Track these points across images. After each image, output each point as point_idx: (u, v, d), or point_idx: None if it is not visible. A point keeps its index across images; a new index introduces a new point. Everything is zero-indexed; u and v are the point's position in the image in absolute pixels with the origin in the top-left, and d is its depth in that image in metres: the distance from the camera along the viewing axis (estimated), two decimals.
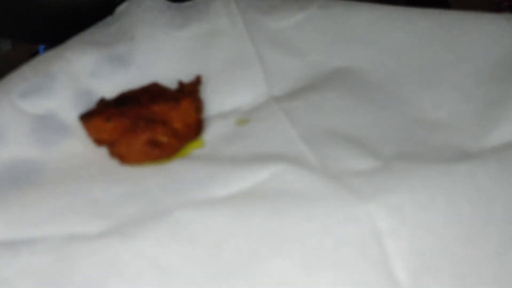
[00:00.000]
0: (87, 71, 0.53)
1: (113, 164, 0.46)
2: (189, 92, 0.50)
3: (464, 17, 0.56)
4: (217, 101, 0.53)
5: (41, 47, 0.73)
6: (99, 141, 0.48)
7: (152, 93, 0.48)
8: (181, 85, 0.51)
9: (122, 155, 0.46)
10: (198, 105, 0.49)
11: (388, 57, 0.56)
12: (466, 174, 0.39)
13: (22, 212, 0.40)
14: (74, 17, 0.62)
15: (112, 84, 0.53)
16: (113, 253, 0.36)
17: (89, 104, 0.51)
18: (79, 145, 0.48)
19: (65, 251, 0.36)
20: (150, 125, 0.46)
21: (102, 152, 0.48)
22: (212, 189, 0.41)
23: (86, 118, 0.47)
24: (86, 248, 0.36)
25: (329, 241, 0.34)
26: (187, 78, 0.55)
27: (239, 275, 0.34)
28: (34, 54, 0.73)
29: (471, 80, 0.51)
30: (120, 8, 0.60)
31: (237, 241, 0.36)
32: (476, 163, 0.40)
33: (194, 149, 0.48)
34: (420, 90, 0.51)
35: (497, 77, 0.50)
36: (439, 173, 0.38)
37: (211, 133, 0.50)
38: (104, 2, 0.61)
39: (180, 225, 0.37)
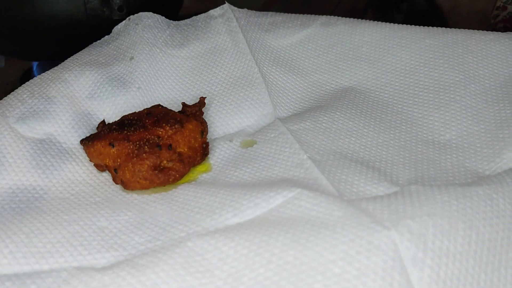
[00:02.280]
0: (85, 93, 0.51)
1: (117, 190, 0.45)
2: (193, 115, 0.49)
3: (469, 36, 0.56)
4: (221, 123, 0.52)
5: (35, 63, 0.71)
6: (101, 167, 0.46)
7: (156, 116, 0.47)
8: (185, 107, 0.50)
9: (126, 181, 0.44)
10: (203, 128, 0.47)
11: (394, 77, 0.55)
12: (484, 198, 0.38)
13: (27, 243, 0.37)
14: (67, 34, 0.61)
15: (112, 106, 0.51)
16: (126, 286, 0.34)
17: (88, 127, 0.49)
18: (81, 171, 0.46)
19: (74, 285, 0.34)
20: (154, 149, 0.45)
21: (104, 178, 0.46)
22: (225, 216, 0.39)
23: (88, 142, 0.45)
24: (96, 282, 0.34)
25: (352, 271, 0.33)
26: (189, 98, 0.54)
27: None
28: (27, 70, 0.71)
29: (479, 101, 0.50)
30: (118, 27, 0.59)
31: (255, 272, 0.34)
32: (493, 187, 0.39)
33: (201, 174, 0.46)
34: (429, 111, 0.50)
35: (506, 98, 0.50)
36: (458, 198, 0.37)
37: (217, 156, 0.48)
38: (101, 20, 0.59)
39: (194, 255, 0.36)
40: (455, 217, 0.36)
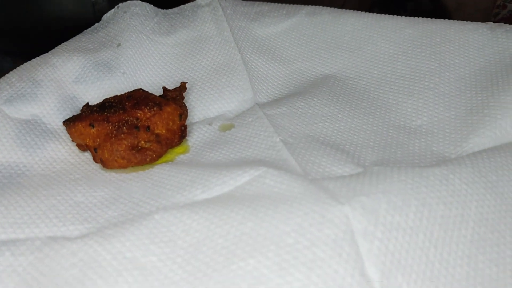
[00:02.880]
0: (72, 77, 0.54)
1: (96, 169, 0.47)
2: (173, 99, 0.50)
3: (448, 26, 0.57)
4: (202, 107, 0.53)
5: None
6: (82, 146, 0.48)
7: (136, 99, 0.49)
8: (166, 91, 0.52)
9: (105, 160, 0.46)
10: (182, 111, 0.49)
11: (373, 65, 0.56)
12: (440, 178, 0.39)
13: (5, 215, 0.40)
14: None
15: (97, 90, 0.54)
16: (93, 253, 0.36)
17: (73, 109, 0.51)
18: (63, 150, 0.48)
19: (45, 252, 0.37)
20: (132, 130, 0.47)
21: (86, 157, 0.48)
22: (194, 193, 0.41)
23: (70, 123, 0.48)
24: (66, 249, 0.37)
25: (304, 241, 0.34)
26: (172, 84, 0.56)
27: (215, 275, 0.34)
28: None
29: (452, 88, 0.51)
30: (107, 15, 0.61)
31: (214, 242, 0.36)
32: (451, 167, 0.40)
33: (179, 155, 0.48)
34: (403, 98, 0.52)
35: (478, 85, 0.51)
36: (414, 177, 0.39)
37: (196, 139, 0.50)
38: None
39: (160, 227, 0.38)
40: (408, 194, 0.37)
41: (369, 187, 0.38)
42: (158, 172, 0.45)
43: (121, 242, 0.37)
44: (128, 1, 0.61)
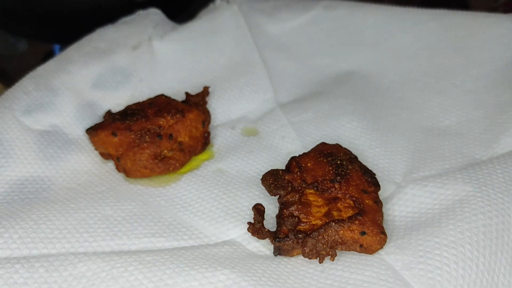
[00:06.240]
0: (89, 84, 0.52)
1: (121, 180, 0.46)
2: (196, 104, 0.49)
3: (472, 19, 0.56)
4: (223, 109, 0.52)
5: (57, 46, 0.72)
6: (105, 155, 0.47)
7: (158, 106, 0.48)
8: (188, 97, 0.50)
9: (128, 170, 0.45)
10: (204, 118, 0.48)
11: (396, 61, 0.55)
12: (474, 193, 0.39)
13: (35, 229, 0.39)
14: (89, 17, 0.61)
15: (115, 96, 0.52)
16: (134, 282, 0.35)
17: (93, 117, 0.50)
18: (86, 161, 0.47)
19: (79, 268, 0.36)
20: (155, 139, 0.46)
21: (109, 167, 0.47)
22: (226, 226, 0.41)
23: (93, 131, 0.47)
24: (105, 273, 0.35)
25: None
26: (190, 86, 0.54)
27: None
28: (49, 53, 0.72)
29: (480, 85, 0.50)
30: (125, 19, 0.59)
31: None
32: (482, 181, 0.40)
33: (203, 162, 0.47)
34: (429, 96, 0.51)
35: (506, 82, 0.50)
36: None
37: (219, 144, 0.49)
38: (123, 2, 0.60)
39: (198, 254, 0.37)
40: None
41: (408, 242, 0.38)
42: (185, 190, 0.44)
43: (161, 271, 0.35)
44: (149, 9, 0.60)
